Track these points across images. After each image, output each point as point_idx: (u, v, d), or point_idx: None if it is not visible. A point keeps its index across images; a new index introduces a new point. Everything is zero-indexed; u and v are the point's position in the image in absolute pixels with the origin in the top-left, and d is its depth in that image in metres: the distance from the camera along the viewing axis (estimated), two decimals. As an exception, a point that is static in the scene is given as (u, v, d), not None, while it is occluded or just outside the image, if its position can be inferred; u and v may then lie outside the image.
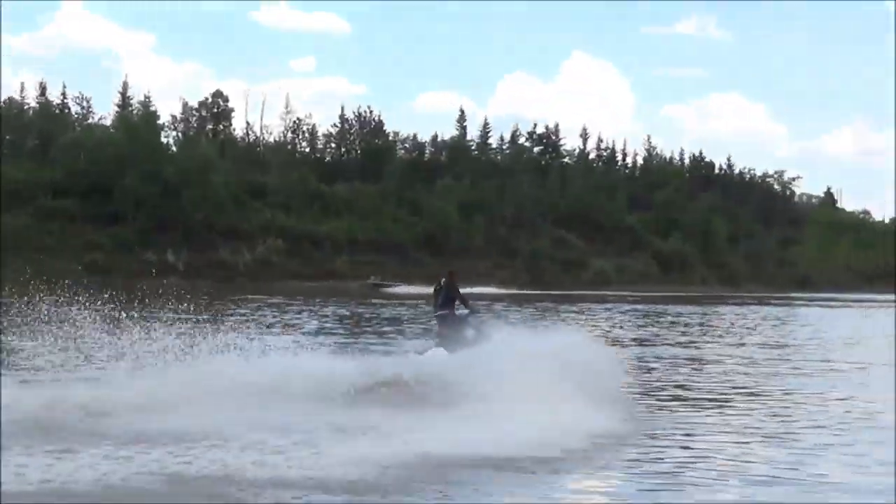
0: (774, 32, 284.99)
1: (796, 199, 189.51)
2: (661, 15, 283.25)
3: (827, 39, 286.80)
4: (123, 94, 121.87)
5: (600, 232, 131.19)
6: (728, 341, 36.67)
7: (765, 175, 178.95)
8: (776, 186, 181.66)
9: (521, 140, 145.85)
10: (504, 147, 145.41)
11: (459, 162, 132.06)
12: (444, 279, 21.48)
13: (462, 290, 21.39)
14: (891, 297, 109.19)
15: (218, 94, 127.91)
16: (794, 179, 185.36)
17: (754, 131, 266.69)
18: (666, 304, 75.29)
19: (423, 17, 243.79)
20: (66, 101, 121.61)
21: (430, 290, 22.24)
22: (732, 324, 49.93)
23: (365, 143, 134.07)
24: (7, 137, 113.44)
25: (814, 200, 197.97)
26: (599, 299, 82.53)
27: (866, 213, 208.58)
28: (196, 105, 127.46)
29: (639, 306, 70.21)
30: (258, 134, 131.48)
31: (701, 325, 48.34)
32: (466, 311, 21.35)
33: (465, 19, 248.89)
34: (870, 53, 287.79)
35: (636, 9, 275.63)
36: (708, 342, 36.00)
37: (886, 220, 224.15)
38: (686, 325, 47.29)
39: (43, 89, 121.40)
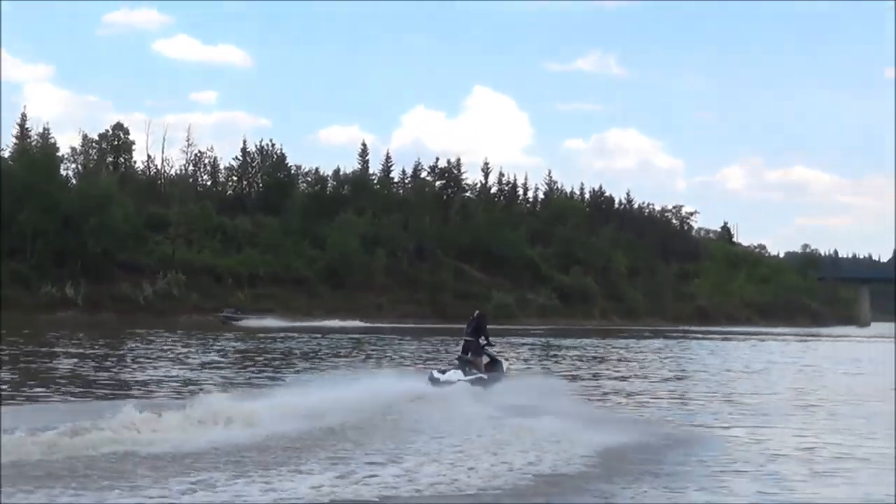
0: (673, 70, 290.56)
1: (693, 233, 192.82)
2: (561, 52, 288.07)
3: (724, 76, 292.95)
4: (22, 126, 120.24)
5: (502, 266, 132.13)
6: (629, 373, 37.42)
7: (663, 210, 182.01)
8: (674, 221, 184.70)
9: (423, 174, 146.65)
10: (406, 181, 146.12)
11: (361, 196, 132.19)
12: (475, 314, 28.68)
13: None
14: (785, 329, 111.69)
15: (119, 127, 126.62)
16: (691, 214, 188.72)
17: (653, 166, 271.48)
18: (567, 336, 76.42)
19: (327, 49, 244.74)
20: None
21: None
22: (628, 357, 50.90)
23: (267, 176, 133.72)
24: None
25: (711, 235, 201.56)
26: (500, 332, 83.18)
27: (761, 247, 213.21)
28: (97, 137, 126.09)
29: (541, 339, 71.18)
30: (159, 167, 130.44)
31: (600, 357, 49.28)
32: (484, 342, 27.99)
33: (368, 53, 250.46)
34: (766, 93, 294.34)
35: (537, 45, 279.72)
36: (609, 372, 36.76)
37: (781, 255, 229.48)
38: (599, 358, 48.29)
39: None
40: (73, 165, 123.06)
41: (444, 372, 27.08)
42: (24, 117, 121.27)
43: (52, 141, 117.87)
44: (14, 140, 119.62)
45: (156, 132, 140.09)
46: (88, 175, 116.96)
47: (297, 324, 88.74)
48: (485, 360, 27.88)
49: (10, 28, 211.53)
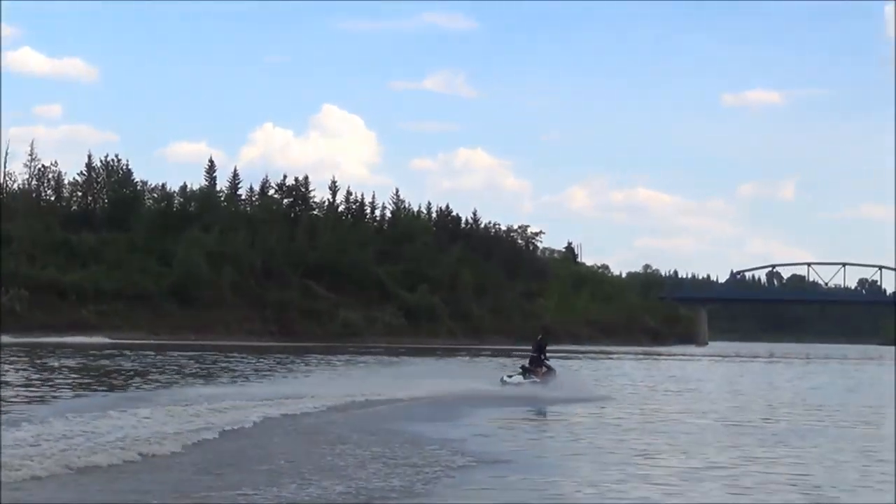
0: (520, 90, 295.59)
1: (539, 252, 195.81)
2: (410, 70, 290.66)
3: (570, 96, 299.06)
4: None
5: (349, 284, 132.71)
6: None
7: (509, 229, 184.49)
8: (520, 241, 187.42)
9: (271, 191, 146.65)
10: (254, 198, 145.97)
11: (209, 212, 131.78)
12: (539, 337, 40.16)
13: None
14: (628, 348, 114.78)
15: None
16: (537, 234, 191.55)
17: (500, 186, 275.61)
18: (409, 355, 77.64)
19: (175, 64, 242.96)
20: None
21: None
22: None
23: (113, 191, 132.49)
24: None
25: (556, 255, 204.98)
26: (338, 350, 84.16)
27: (604, 267, 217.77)
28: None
29: (383, 357, 72.32)
30: (1, 181, 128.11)
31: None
32: (544, 357, 38.72)
33: (217, 70, 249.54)
34: (611, 113, 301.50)
35: (385, 64, 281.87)
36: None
37: (623, 275, 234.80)
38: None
39: None
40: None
41: (510, 377, 38.04)
42: None
43: None
44: None
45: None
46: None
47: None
48: (543, 369, 38.32)
49: None
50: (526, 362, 39.06)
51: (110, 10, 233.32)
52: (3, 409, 23.64)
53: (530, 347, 40.99)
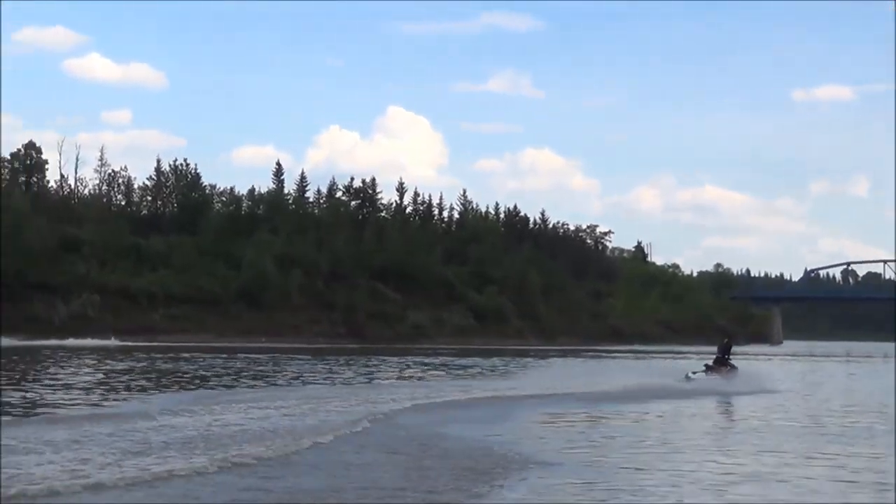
0: (587, 90, 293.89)
1: (608, 252, 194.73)
2: (473, 71, 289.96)
3: (637, 95, 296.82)
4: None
5: (417, 285, 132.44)
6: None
7: (577, 229, 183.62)
8: (588, 241, 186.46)
9: (338, 194, 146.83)
10: (321, 201, 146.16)
11: (276, 216, 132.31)
12: (725, 341, 47.00)
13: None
14: (699, 347, 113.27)
15: (31, 146, 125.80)
16: (605, 234, 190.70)
17: (567, 186, 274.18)
18: (481, 356, 77.18)
19: (241, 67, 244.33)
20: None
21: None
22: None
23: (181, 196, 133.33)
24: None
25: (625, 254, 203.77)
26: (406, 352, 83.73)
27: (675, 266, 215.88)
28: (8, 157, 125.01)
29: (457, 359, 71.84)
30: (73, 186, 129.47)
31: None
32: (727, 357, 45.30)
33: (283, 73, 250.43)
34: (679, 112, 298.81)
35: (449, 65, 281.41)
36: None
37: (694, 274, 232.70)
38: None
39: None
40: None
41: (695, 373, 43.21)
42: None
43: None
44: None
45: (68, 151, 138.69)
46: (1, 195, 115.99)
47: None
48: (727, 367, 44.25)
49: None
50: (710, 361, 45.06)
51: (176, 15, 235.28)
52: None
53: (715, 349, 48.09)
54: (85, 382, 36.95)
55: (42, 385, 34.98)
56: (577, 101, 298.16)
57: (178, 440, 18.63)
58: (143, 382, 38.56)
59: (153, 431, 19.87)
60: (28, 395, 30.35)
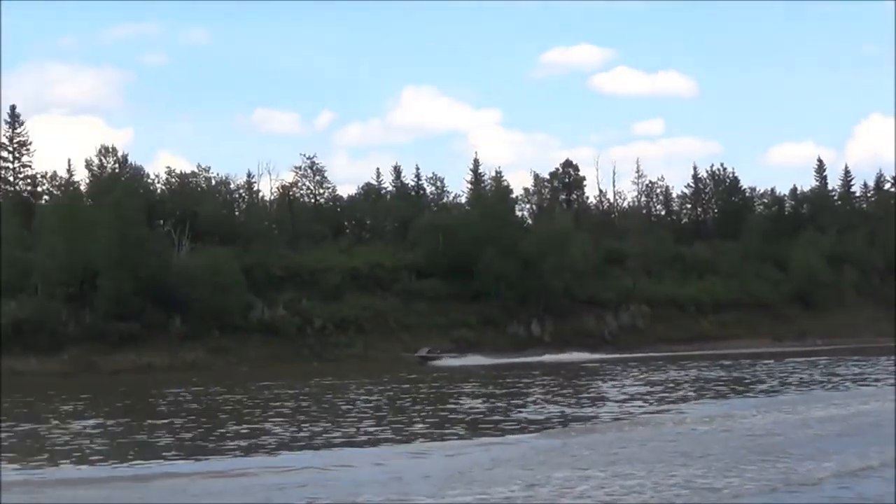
0: None
1: None
2: None
3: None
4: (475, 172, 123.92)
5: None
6: None
7: None
8: None
9: (887, 185, 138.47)
10: (868, 194, 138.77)
11: (822, 213, 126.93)
12: None
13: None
14: None
15: (568, 164, 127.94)
16: None
17: None
18: None
19: (767, 68, 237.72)
20: (420, 182, 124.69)
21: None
22: None
23: (721, 201, 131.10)
24: (368, 222, 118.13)
25: None
26: None
27: None
28: (547, 176, 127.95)
29: None
30: (611, 200, 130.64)
31: None
32: None
33: (812, 66, 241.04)
34: None
35: None
36: None
37: None
38: None
39: (398, 173, 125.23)
40: (527, 206, 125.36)
41: None
42: (476, 163, 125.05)
43: (505, 184, 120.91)
44: (468, 186, 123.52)
45: (604, 166, 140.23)
46: (543, 214, 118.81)
47: (501, 360, 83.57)
48: None
49: (456, 76, 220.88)
50: None
51: (700, 19, 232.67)
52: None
53: None
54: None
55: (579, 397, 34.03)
56: None
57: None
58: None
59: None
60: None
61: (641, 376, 55.13)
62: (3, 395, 52.45)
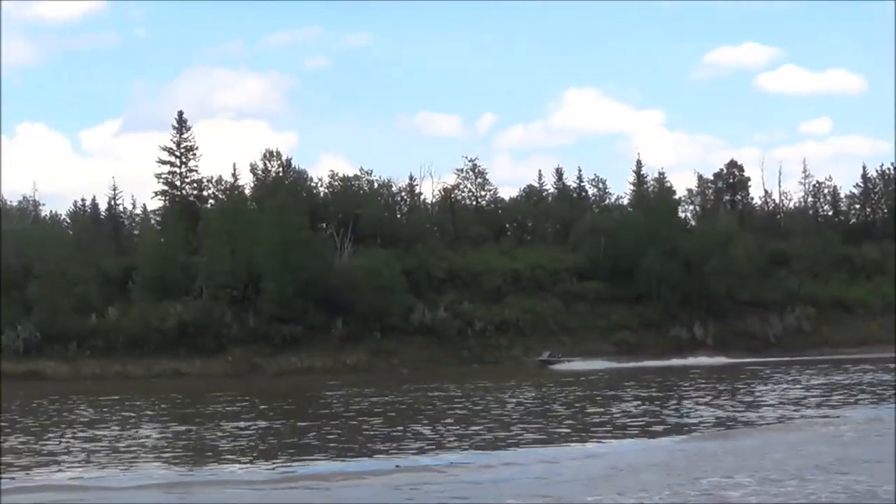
0: None
1: None
2: None
3: None
4: (638, 173, 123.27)
5: None
6: None
7: None
8: None
9: None
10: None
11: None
12: None
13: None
14: None
15: (732, 164, 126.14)
16: None
17: None
18: None
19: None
20: (582, 184, 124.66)
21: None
22: None
23: (891, 200, 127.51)
24: (529, 224, 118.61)
25: None
26: None
27: None
28: (711, 177, 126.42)
29: None
30: (777, 201, 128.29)
31: None
32: None
33: None
34: None
35: None
36: None
37: None
38: None
39: (560, 175, 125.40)
40: (691, 207, 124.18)
41: None
42: (638, 164, 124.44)
43: (668, 185, 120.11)
44: (631, 187, 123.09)
45: (770, 166, 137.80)
46: (707, 216, 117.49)
47: (628, 365, 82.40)
48: None
49: (618, 78, 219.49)
50: None
51: (871, 17, 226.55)
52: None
53: None
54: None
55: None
56: None
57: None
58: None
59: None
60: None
61: (804, 380, 54.19)
62: (165, 396, 54.26)
